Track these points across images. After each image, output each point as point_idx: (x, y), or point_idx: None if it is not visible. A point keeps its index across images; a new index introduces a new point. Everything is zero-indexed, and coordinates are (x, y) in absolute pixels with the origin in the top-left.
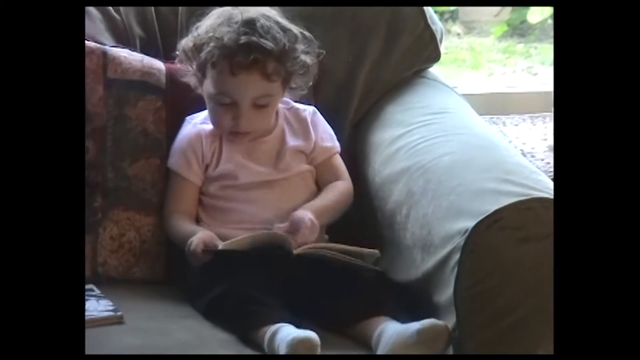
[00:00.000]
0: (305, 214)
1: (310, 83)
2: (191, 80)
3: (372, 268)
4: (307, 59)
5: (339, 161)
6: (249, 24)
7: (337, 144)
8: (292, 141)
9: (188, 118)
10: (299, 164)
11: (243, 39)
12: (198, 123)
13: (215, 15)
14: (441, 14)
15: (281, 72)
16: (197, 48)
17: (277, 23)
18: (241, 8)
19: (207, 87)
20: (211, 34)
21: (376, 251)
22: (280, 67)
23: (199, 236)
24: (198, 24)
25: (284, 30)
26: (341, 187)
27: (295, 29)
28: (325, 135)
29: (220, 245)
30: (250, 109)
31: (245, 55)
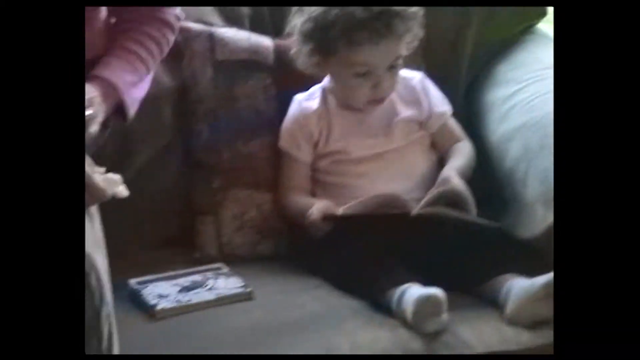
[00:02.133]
0: (451, 174)
1: (421, 35)
2: (306, 62)
3: (494, 226)
4: (418, 9)
5: (454, 123)
6: None
7: (449, 106)
8: (404, 111)
9: (295, 97)
10: (412, 133)
11: (376, 9)
12: (303, 101)
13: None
14: None
15: (407, 31)
16: (321, 28)
17: None
18: None
19: (339, 62)
20: (337, 11)
21: (497, 223)
22: (406, 25)
23: (317, 206)
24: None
25: None
26: (467, 147)
27: None
28: (437, 100)
29: (340, 210)
30: (387, 73)
31: (383, 23)
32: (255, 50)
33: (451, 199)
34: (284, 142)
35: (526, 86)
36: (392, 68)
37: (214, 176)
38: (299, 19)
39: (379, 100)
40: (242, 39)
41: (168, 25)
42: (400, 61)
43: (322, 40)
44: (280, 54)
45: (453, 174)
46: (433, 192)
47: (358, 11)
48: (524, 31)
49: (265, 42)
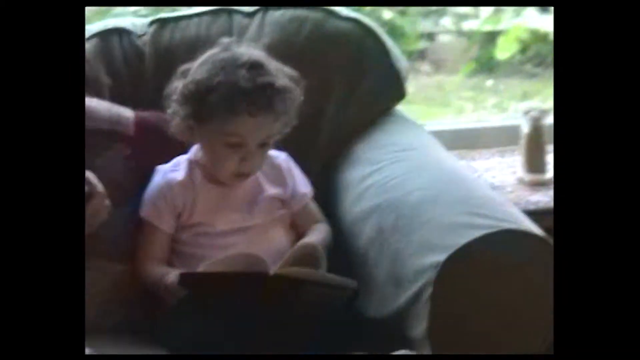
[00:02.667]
0: (308, 240)
1: (294, 123)
2: (179, 126)
3: (348, 298)
4: (297, 92)
5: (314, 205)
6: (259, 66)
7: (310, 188)
8: (269, 189)
9: (158, 167)
10: (275, 210)
11: (260, 80)
12: (168, 172)
13: (211, 60)
14: (409, 53)
15: (286, 109)
16: (201, 93)
17: (273, 63)
18: (235, 51)
19: (212, 130)
20: (221, 78)
21: (354, 281)
22: (285, 104)
23: (174, 272)
24: (185, 67)
25: (281, 70)
26: (325, 228)
27: (285, 67)
28: (300, 181)
29: (200, 266)
30: (257, 149)
31: (264, 96)
32: (116, 121)
33: (309, 259)
34: (145, 212)
35: (382, 167)
36: (263, 146)
37: None
38: (180, 81)
39: (244, 175)
40: (103, 108)
41: None
42: (271, 140)
43: (200, 104)
44: (141, 126)
45: (310, 240)
46: (293, 250)
47: (242, 81)
48: (383, 112)
49: (126, 112)
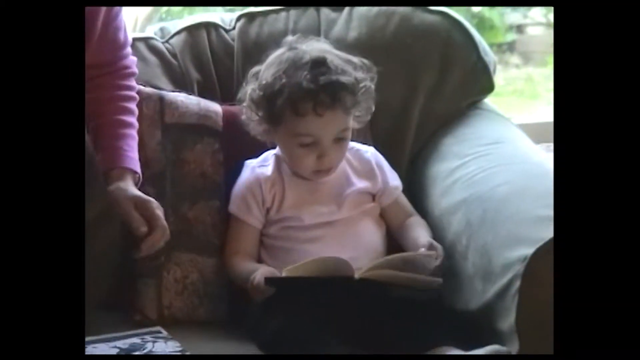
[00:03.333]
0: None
1: (372, 110)
2: (256, 129)
3: (434, 298)
4: (370, 84)
5: (404, 199)
6: (321, 64)
7: (400, 182)
8: (358, 182)
9: (247, 162)
10: (364, 204)
11: (322, 79)
12: (256, 167)
13: (277, 62)
14: (498, 46)
15: (356, 102)
16: (268, 97)
17: (338, 56)
18: (299, 49)
19: (285, 132)
20: (284, 81)
21: (439, 280)
22: (355, 98)
23: (261, 271)
24: (255, 70)
25: (347, 61)
26: (419, 221)
27: (354, 58)
28: (390, 175)
29: (284, 271)
30: (333, 145)
31: (328, 94)
32: (204, 115)
33: (338, 267)
34: (235, 207)
35: (469, 161)
36: (339, 140)
37: None
38: (251, 86)
39: (325, 171)
40: (192, 103)
41: (135, 77)
42: (348, 133)
43: (269, 109)
44: (229, 120)
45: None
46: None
47: (305, 82)
48: (470, 105)
49: (214, 107)
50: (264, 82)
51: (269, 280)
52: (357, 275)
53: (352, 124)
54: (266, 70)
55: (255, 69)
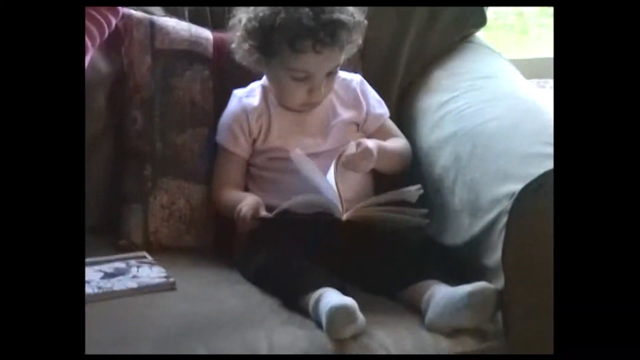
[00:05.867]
0: (369, 141)
1: (360, 42)
2: (246, 58)
3: (419, 232)
4: (362, 19)
5: (391, 124)
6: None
7: (386, 109)
8: (343, 113)
9: (235, 92)
10: (351, 134)
11: (324, 17)
12: (243, 97)
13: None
14: None
15: (351, 38)
16: (265, 29)
17: None
18: None
19: (279, 65)
20: (283, 15)
21: (418, 186)
22: (351, 35)
23: (247, 202)
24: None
25: None
26: (403, 141)
27: None
28: (375, 102)
29: (271, 214)
30: (324, 79)
31: (327, 33)
32: (195, 41)
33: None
34: (221, 137)
35: (459, 95)
36: (330, 74)
37: (145, 164)
38: (244, 14)
39: (313, 104)
40: (183, 29)
41: (112, 8)
42: (339, 66)
43: (264, 41)
44: (220, 47)
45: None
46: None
47: (305, 18)
48: (462, 40)
49: (205, 33)
50: (260, 14)
51: (255, 217)
52: (344, 217)
53: (342, 56)
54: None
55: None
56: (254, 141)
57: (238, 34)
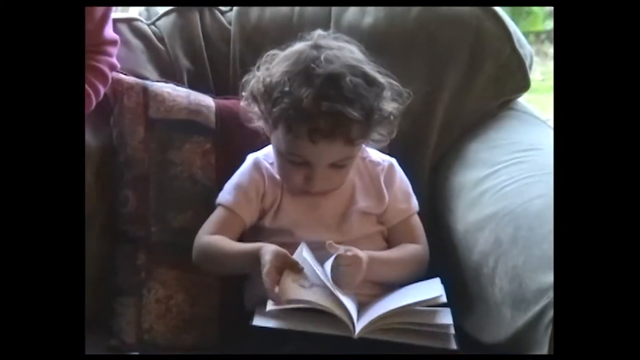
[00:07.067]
0: (360, 251)
1: (394, 135)
2: (254, 121)
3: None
4: (393, 108)
5: (414, 223)
6: (334, 84)
7: (414, 204)
8: (361, 201)
9: (251, 155)
10: (366, 226)
11: (325, 105)
12: (262, 159)
13: (293, 60)
14: (536, 35)
15: (365, 134)
16: (270, 96)
17: (364, 74)
18: (322, 52)
19: (278, 142)
20: (287, 89)
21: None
22: (366, 128)
23: (272, 252)
24: (272, 53)
25: (371, 83)
26: (412, 248)
27: (382, 78)
28: (401, 195)
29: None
30: (327, 170)
31: (328, 123)
32: (195, 110)
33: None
34: (230, 198)
35: (500, 170)
36: (338, 167)
37: (138, 252)
38: (261, 72)
39: (314, 193)
40: (181, 95)
41: (100, 73)
42: (350, 161)
43: (267, 108)
44: (223, 116)
45: (361, 252)
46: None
47: (306, 101)
48: (502, 106)
49: (207, 100)
50: (268, 79)
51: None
52: (356, 335)
53: (358, 150)
54: (279, 64)
55: (273, 51)
56: (263, 213)
57: (245, 93)
